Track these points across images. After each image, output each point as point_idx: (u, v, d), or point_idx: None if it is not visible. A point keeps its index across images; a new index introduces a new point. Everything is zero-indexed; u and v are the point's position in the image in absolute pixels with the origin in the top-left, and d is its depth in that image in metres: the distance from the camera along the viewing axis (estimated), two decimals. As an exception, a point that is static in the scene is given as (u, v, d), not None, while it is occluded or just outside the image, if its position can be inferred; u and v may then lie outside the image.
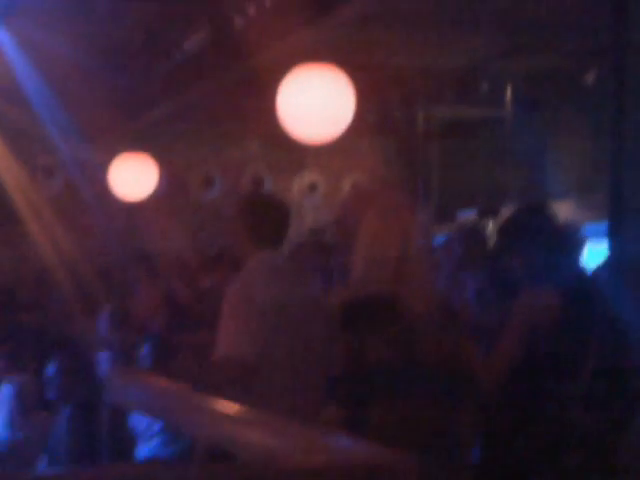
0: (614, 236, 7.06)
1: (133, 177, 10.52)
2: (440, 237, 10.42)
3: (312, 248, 6.55)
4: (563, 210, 9.27)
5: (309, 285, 4.54)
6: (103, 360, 7.19)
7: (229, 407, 2.80)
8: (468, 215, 12.11)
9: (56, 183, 12.36)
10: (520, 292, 4.01)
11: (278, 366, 4.09)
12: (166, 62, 8.97)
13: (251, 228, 4.30)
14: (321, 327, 4.23)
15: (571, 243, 4.68)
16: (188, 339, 5.94)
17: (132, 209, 11.31)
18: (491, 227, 9.02)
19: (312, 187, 12.73)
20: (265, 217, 4.32)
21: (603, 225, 8.02)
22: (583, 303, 4.04)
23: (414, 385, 3.64)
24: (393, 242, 3.99)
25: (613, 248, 7.06)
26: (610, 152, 7.23)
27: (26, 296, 9.86)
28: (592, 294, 4.14)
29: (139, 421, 5.53)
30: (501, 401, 3.94)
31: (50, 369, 5.93)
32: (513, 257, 4.19)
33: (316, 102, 5.09)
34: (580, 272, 4.66)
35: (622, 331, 3.93)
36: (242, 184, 12.86)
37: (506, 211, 4.77)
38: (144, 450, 5.31)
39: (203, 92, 9.39)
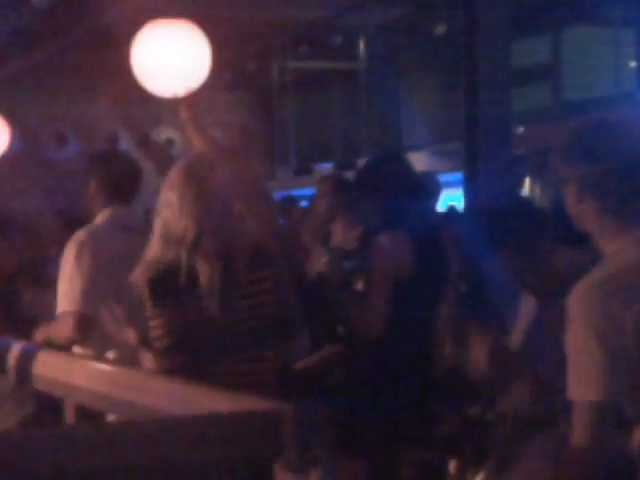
0: (468, 184, 7.26)
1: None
2: (300, 190, 10.49)
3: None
4: (419, 161, 9.43)
5: None
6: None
7: (96, 365, 2.79)
8: (325, 168, 12.18)
9: None
10: (375, 238, 4.06)
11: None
12: (15, 18, 8.74)
13: (100, 183, 4.24)
14: None
15: (426, 190, 4.76)
16: (37, 304, 5.83)
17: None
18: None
19: (169, 143, 12.61)
20: (113, 172, 4.27)
21: (457, 175, 8.23)
22: (437, 248, 4.12)
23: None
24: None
25: (467, 195, 7.26)
26: (463, 104, 7.39)
27: None
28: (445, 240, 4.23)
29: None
30: (374, 349, 4.00)
31: None
32: (369, 204, 4.24)
33: (171, 56, 5.02)
34: (435, 218, 4.75)
35: (476, 275, 4.02)
36: (97, 141, 12.65)
37: (362, 163, 4.83)
38: None
39: (55, 48, 9.19)
